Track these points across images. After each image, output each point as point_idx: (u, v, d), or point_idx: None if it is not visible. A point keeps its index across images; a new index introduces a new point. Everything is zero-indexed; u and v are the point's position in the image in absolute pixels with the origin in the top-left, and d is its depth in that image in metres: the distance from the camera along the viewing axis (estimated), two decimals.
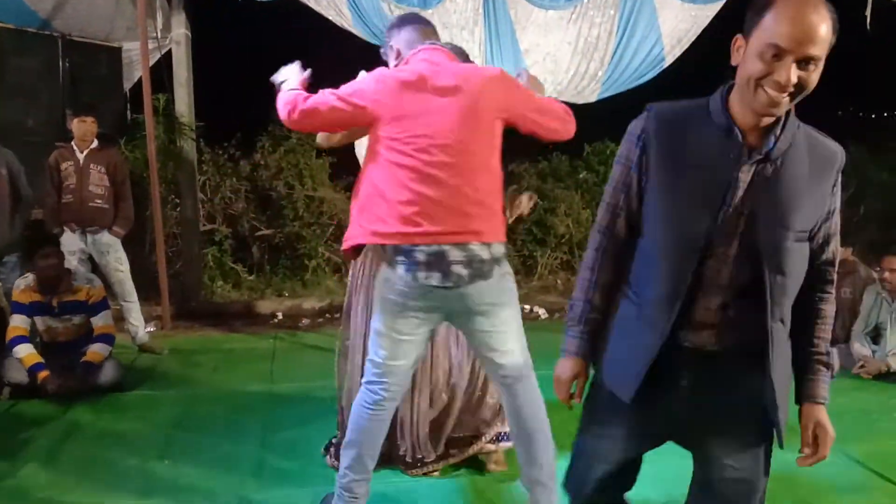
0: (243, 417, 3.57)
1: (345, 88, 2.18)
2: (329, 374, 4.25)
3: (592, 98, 5.36)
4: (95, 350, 3.89)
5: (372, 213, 2.14)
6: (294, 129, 2.43)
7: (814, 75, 1.31)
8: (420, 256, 2.09)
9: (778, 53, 1.27)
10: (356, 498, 2.33)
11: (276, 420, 3.53)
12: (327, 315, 5.78)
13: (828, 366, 1.49)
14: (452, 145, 2.10)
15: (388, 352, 2.21)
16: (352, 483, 2.31)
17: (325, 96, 2.17)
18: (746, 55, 1.33)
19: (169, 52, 5.73)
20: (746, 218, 1.36)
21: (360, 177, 2.25)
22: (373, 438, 2.30)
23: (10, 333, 3.82)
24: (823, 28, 1.26)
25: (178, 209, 6.05)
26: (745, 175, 1.36)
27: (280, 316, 5.72)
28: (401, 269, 2.12)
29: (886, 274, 4.26)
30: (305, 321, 5.63)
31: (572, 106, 2.40)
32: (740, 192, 1.36)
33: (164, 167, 5.96)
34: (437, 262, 2.08)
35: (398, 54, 2.36)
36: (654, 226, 1.44)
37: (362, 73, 2.29)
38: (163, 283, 5.24)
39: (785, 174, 1.37)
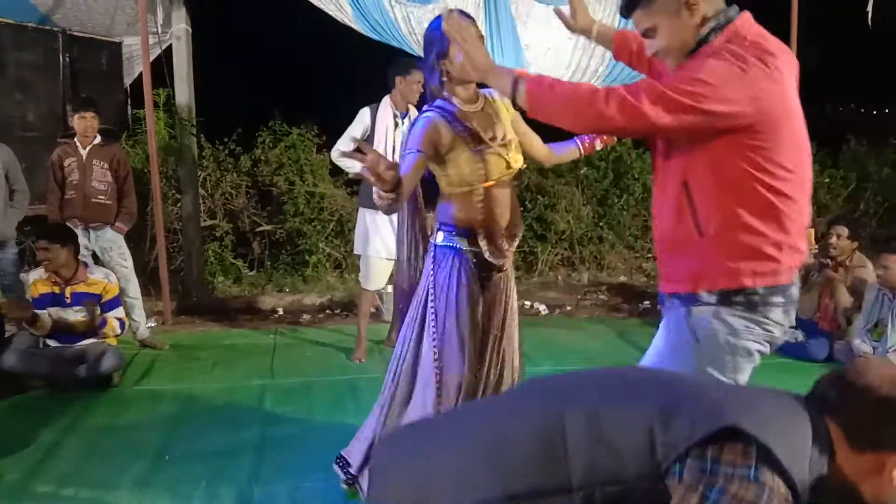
0: (243, 412, 3.58)
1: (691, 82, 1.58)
2: (329, 369, 4.29)
3: None
4: (111, 316, 4.03)
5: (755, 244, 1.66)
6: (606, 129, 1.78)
7: None
8: (795, 293, 1.75)
9: None
10: None
11: (276, 415, 3.54)
12: (328, 311, 5.79)
13: None
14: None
15: None
16: None
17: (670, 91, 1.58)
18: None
19: (169, 48, 5.72)
20: None
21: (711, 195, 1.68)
22: None
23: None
24: None
25: (179, 204, 6.05)
26: None
27: (281, 311, 5.72)
28: (777, 313, 1.71)
29: (879, 271, 4.28)
30: (306, 317, 5.63)
31: None
32: None
33: (165, 162, 5.97)
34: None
35: (703, 20, 1.69)
36: None
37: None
38: (164, 279, 5.24)
39: None
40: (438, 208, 2.39)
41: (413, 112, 4.45)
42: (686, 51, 1.72)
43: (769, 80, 1.59)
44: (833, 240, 4.57)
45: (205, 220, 6.28)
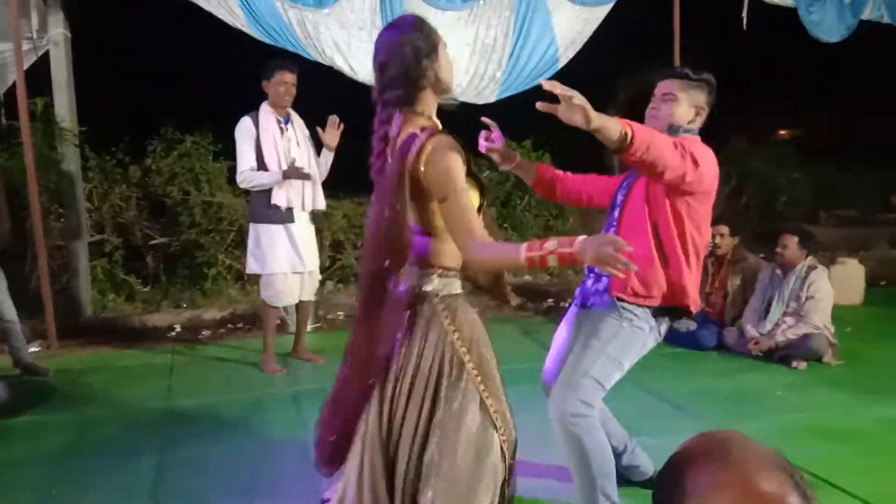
0: (140, 438, 3.40)
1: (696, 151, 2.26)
2: (232, 386, 4.13)
3: (492, 98, 5.43)
4: None
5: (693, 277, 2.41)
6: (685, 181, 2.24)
7: None
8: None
9: None
10: None
11: (175, 438, 3.37)
12: (229, 325, 5.59)
13: None
14: None
15: (613, 382, 2.41)
16: None
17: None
18: None
19: (46, 54, 5.37)
20: None
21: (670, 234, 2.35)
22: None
23: None
24: None
25: (63, 220, 5.69)
26: None
27: (178, 328, 5.48)
28: (664, 326, 2.47)
29: (779, 249, 4.60)
30: (206, 332, 5.41)
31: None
32: None
33: (46, 176, 5.59)
34: None
35: (693, 121, 2.44)
36: None
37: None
38: (46, 299, 4.91)
39: None
40: (428, 249, 1.94)
41: (296, 117, 4.33)
42: (667, 127, 2.36)
43: (716, 169, 2.35)
44: (717, 239, 4.84)
45: (92, 235, 5.95)
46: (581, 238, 1.69)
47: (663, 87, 2.41)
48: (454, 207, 1.81)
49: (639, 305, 2.37)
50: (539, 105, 1.92)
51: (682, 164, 2.17)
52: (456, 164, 1.82)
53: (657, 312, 2.41)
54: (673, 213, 2.32)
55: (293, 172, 4.13)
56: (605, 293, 2.41)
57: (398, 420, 1.91)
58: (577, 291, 2.60)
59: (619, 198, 2.50)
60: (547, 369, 2.65)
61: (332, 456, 2.06)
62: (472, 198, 1.88)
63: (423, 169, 1.82)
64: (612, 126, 1.98)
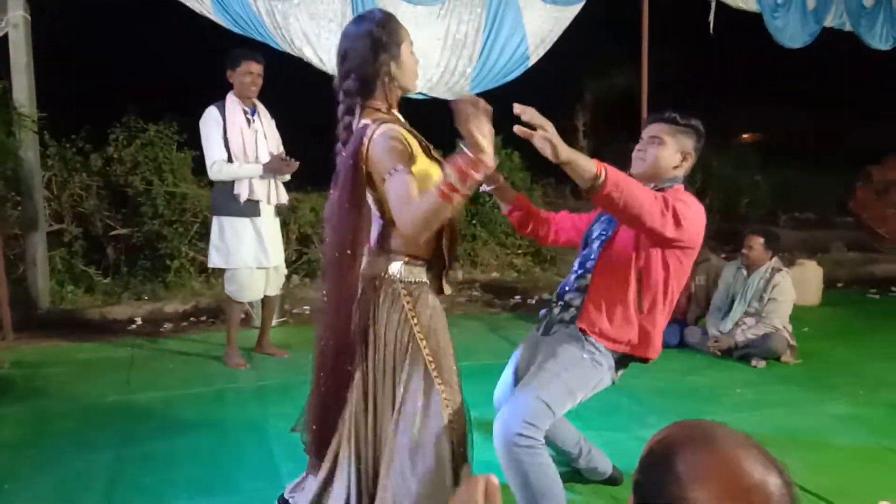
0: (98, 431, 3.32)
1: (683, 211, 2.16)
2: (193, 380, 4.06)
3: (463, 94, 5.42)
4: None
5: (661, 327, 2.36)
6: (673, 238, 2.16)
7: None
8: None
9: None
10: None
11: (133, 433, 3.30)
12: (192, 318, 5.50)
13: None
14: None
15: (563, 411, 2.29)
16: None
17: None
18: None
19: (5, 37, 5.21)
20: None
21: (656, 280, 2.28)
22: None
23: None
24: None
25: (20, 208, 5.53)
26: None
27: (139, 321, 5.37)
28: (621, 372, 2.41)
29: (745, 250, 4.66)
30: (167, 325, 5.32)
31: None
32: None
33: (3, 162, 5.43)
34: None
35: (679, 168, 2.39)
36: None
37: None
38: (2, 290, 4.78)
39: None
40: (391, 237, 1.96)
41: (262, 108, 4.27)
42: (652, 173, 2.35)
43: (702, 222, 2.27)
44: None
45: (51, 225, 5.80)
46: None
47: (651, 130, 2.40)
48: (392, 184, 1.78)
49: (603, 346, 2.31)
50: (516, 129, 1.90)
51: (662, 219, 2.09)
52: (395, 146, 1.81)
53: (618, 361, 2.35)
54: (663, 263, 2.27)
55: (275, 162, 4.08)
56: (571, 324, 2.34)
57: (372, 407, 1.97)
58: (541, 314, 2.51)
59: (598, 232, 2.44)
60: (498, 399, 2.55)
61: (319, 443, 2.08)
62: (435, 178, 1.83)
63: (367, 156, 1.85)
64: (584, 164, 1.92)
